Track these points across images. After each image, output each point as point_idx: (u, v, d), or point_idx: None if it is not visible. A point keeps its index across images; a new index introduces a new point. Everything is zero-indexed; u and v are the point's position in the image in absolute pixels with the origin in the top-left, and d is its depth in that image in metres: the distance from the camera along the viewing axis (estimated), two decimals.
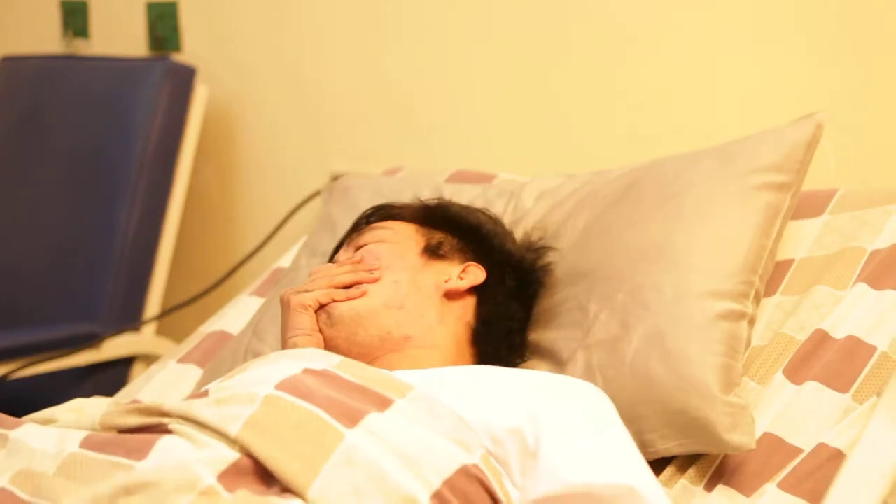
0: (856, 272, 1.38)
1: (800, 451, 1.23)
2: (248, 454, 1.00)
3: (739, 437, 1.21)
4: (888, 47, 1.65)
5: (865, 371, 1.27)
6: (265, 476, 1.00)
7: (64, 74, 2.34)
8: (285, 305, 1.33)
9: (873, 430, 1.17)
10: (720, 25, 1.78)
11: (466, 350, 1.34)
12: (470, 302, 1.36)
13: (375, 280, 1.32)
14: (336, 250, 1.46)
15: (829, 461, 1.19)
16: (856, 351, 1.30)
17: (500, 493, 1.03)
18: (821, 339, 1.33)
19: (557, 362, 1.36)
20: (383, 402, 1.07)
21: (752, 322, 1.33)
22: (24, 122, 2.33)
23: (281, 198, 2.21)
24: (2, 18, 2.67)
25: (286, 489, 0.98)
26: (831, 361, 1.30)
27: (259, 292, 1.78)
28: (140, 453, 1.01)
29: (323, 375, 1.10)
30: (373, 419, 1.04)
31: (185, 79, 2.22)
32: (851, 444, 1.18)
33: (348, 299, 1.31)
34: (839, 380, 1.28)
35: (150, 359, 2.10)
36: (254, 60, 2.31)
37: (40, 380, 2.03)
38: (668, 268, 1.33)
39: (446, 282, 1.35)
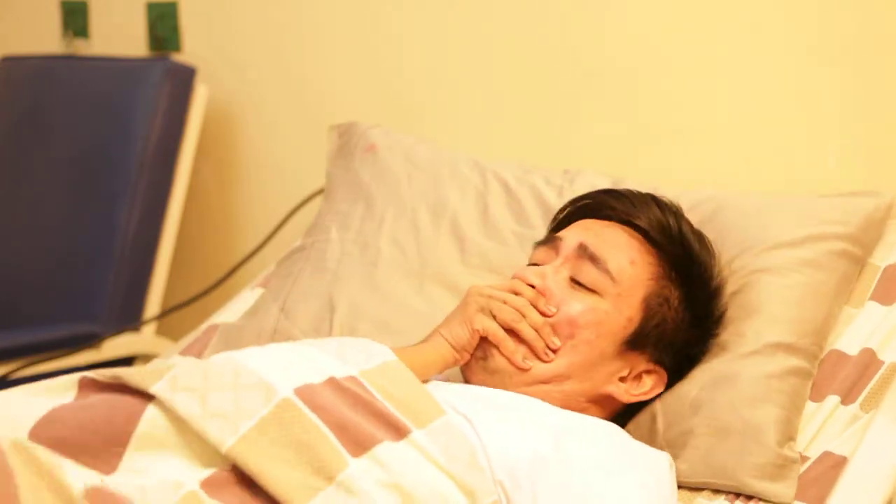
0: (870, 289, 1.39)
1: (806, 459, 1.23)
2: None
3: (780, 489, 1.19)
4: (889, 48, 1.65)
5: (873, 381, 1.28)
6: (253, 486, 0.97)
7: (64, 74, 2.34)
8: (463, 305, 1.22)
9: (874, 434, 1.17)
10: (720, 25, 1.78)
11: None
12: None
13: (546, 361, 1.21)
14: (564, 209, 1.34)
15: (833, 468, 1.20)
16: (869, 365, 1.30)
17: None
18: (836, 358, 1.33)
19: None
20: (400, 431, 1.03)
21: (812, 382, 1.31)
22: (24, 122, 2.33)
23: (281, 198, 2.21)
24: (2, 18, 2.66)
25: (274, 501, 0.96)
26: (848, 376, 1.30)
27: (263, 285, 1.74)
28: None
29: (346, 388, 1.05)
30: (383, 449, 1.01)
31: (185, 79, 2.22)
32: (856, 451, 1.19)
33: (510, 357, 1.20)
34: (852, 393, 1.28)
35: (150, 359, 2.09)
36: (254, 60, 2.31)
37: (40, 380, 2.02)
38: (750, 313, 1.30)
39: (621, 379, 1.24)
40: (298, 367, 1.07)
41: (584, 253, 1.24)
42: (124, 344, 2.12)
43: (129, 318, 2.15)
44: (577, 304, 1.21)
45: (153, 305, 2.20)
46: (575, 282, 1.23)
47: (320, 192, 2.14)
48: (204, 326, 1.71)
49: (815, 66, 1.71)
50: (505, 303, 1.21)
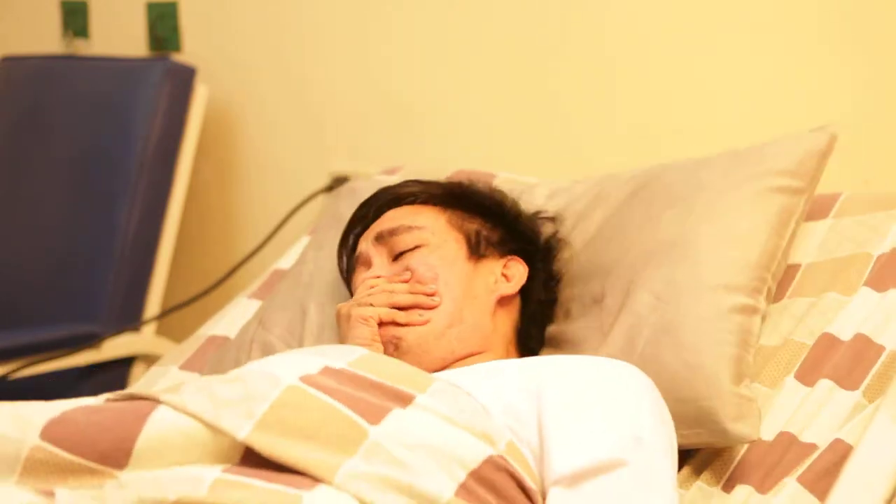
0: (863, 278, 1.38)
1: (814, 446, 1.23)
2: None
3: (743, 428, 1.20)
4: (889, 47, 1.65)
5: (874, 369, 1.28)
6: (271, 471, 0.98)
7: (64, 74, 2.34)
8: (344, 318, 1.31)
9: (875, 430, 1.17)
10: (721, 25, 1.78)
11: (512, 348, 1.36)
12: (516, 298, 1.38)
13: (435, 307, 1.30)
14: (345, 239, 1.45)
15: (845, 458, 1.19)
16: (865, 350, 1.30)
17: (528, 481, 1.03)
18: (829, 342, 1.33)
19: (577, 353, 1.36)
20: (404, 399, 1.06)
21: (763, 319, 1.33)
22: (24, 123, 2.33)
23: (281, 198, 2.21)
24: (2, 18, 2.66)
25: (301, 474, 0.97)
26: (841, 361, 1.30)
27: (258, 295, 1.76)
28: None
29: (342, 374, 1.09)
30: (396, 416, 1.03)
31: (185, 79, 2.22)
32: (858, 445, 1.19)
33: (409, 324, 1.28)
34: (849, 378, 1.28)
35: (149, 359, 2.10)
36: (254, 60, 2.31)
37: (40, 380, 2.03)
38: (682, 262, 1.33)
39: (495, 283, 1.35)
40: (294, 364, 1.10)
41: (384, 235, 1.37)
42: (124, 344, 2.12)
43: (129, 318, 2.15)
44: (413, 261, 1.33)
45: (153, 305, 2.20)
46: (398, 256, 1.35)
47: (320, 192, 2.14)
48: (201, 336, 1.71)
49: (815, 65, 1.71)
50: (370, 293, 1.31)
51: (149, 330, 2.18)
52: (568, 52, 1.91)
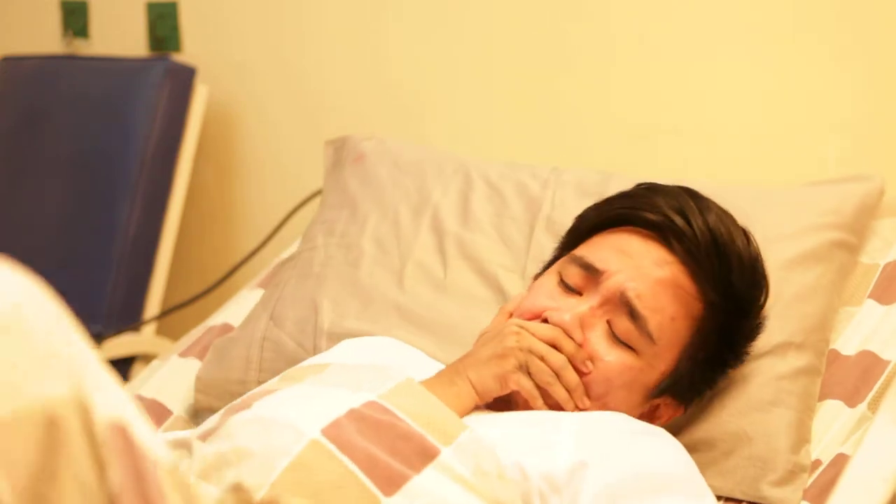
0: (868, 288, 1.37)
1: (818, 462, 1.23)
2: None
3: (789, 494, 1.18)
4: (890, 47, 1.65)
5: (880, 381, 1.27)
6: None
7: (64, 74, 2.34)
8: (508, 351, 1.14)
9: (875, 434, 1.17)
10: (722, 24, 1.78)
11: None
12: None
13: (587, 373, 1.15)
14: (564, 252, 1.24)
15: None
16: (872, 367, 1.29)
17: None
18: (833, 358, 1.32)
19: None
20: (428, 455, 1.01)
21: (821, 378, 1.30)
22: (23, 122, 2.33)
23: (281, 198, 2.21)
24: (2, 18, 2.66)
25: None
26: (847, 378, 1.29)
27: (262, 285, 1.73)
28: None
29: (367, 419, 1.03)
30: (414, 485, 0.99)
31: (185, 79, 2.22)
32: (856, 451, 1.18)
33: (559, 400, 1.14)
34: (856, 396, 1.27)
35: (150, 359, 2.09)
36: (254, 60, 2.31)
37: None
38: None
39: (640, 416, 1.18)
40: (319, 404, 1.05)
41: (626, 305, 1.15)
42: (124, 344, 2.12)
43: (129, 318, 2.15)
44: (613, 363, 1.15)
45: (153, 305, 2.20)
46: (611, 331, 1.16)
47: (320, 192, 2.14)
48: (203, 327, 1.71)
49: (815, 65, 1.71)
50: (543, 359, 1.13)
51: (149, 330, 2.18)
52: (569, 50, 1.91)
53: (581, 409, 1.14)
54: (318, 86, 2.22)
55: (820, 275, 1.32)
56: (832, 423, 1.26)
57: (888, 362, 1.29)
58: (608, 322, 1.15)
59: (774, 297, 1.25)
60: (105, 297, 2.13)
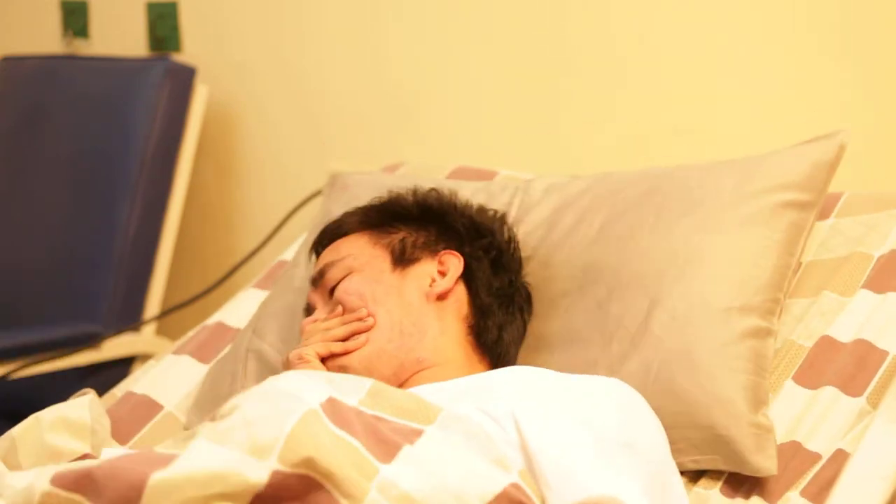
0: (862, 278, 1.38)
1: (818, 456, 1.22)
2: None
3: (763, 461, 1.19)
4: (891, 47, 1.65)
5: (878, 375, 1.27)
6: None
7: (64, 74, 2.34)
8: (285, 366, 1.29)
9: (874, 432, 1.17)
10: (723, 26, 1.78)
11: (475, 356, 1.32)
12: (461, 292, 1.35)
13: (371, 327, 1.29)
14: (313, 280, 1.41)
15: None
16: (868, 356, 1.29)
17: None
18: (828, 344, 1.32)
19: (583, 360, 1.33)
20: (414, 434, 1.03)
21: (774, 339, 1.32)
22: (24, 122, 2.33)
23: (281, 198, 2.21)
24: (2, 18, 2.67)
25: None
26: (844, 366, 1.29)
27: (261, 285, 1.76)
28: None
29: (350, 409, 1.05)
30: (407, 453, 1.01)
31: (185, 79, 2.22)
32: (856, 449, 1.18)
33: (346, 351, 1.28)
34: (852, 384, 1.27)
35: (149, 359, 2.10)
36: (254, 60, 2.31)
37: (40, 380, 2.02)
38: (695, 279, 1.31)
39: (431, 285, 1.33)
40: (308, 393, 1.06)
41: (316, 279, 1.37)
42: (124, 344, 2.12)
43: (129, 318, 2.15)
44: (339, 293, 1.32)
45: (153, 305, 2.20)
46: (332, 292, 1.35)
47: (320, 192, 2.14)
48: (200, 326, 1.72)
49: (818, 67, 1.71)
50: (307, 338, 1.31)
51: (149, 330, 2.18)
52: (569, 50, 1.91)
53: (366, 325, 1.28)
54: (318, 86, 2.23)
55: (763, 236, 1.34)
56: (828, 412, 1.26)
57: (884, 352, 1.29)
58: (328, 298, 1.36)
59: (701, 264, 1.31)
60: (105, 297, 2.13)
